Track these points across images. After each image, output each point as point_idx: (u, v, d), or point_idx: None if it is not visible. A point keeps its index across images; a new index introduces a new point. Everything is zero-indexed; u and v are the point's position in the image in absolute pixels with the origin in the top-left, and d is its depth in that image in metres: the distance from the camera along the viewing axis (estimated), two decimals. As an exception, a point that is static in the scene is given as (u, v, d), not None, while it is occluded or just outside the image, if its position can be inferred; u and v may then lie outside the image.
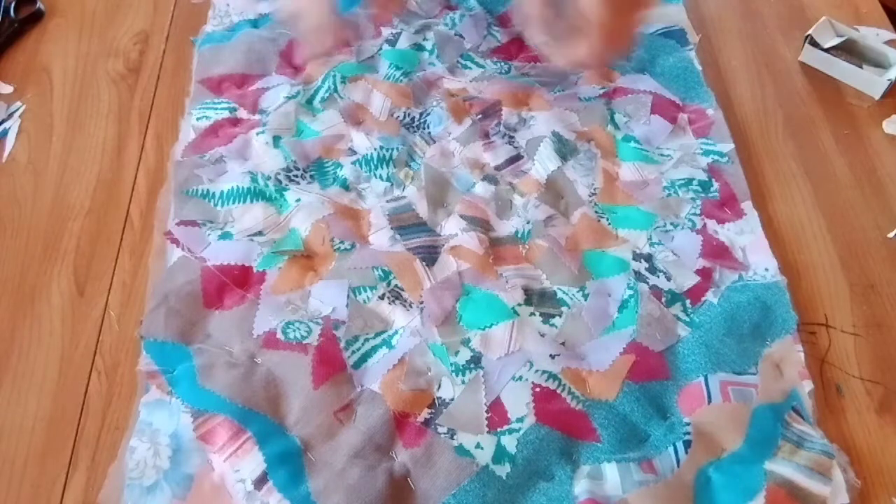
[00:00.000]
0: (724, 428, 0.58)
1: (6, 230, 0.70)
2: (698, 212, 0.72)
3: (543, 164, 0.75)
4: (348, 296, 0.65)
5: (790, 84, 0.85)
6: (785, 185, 0.76)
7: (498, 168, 0.76)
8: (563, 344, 0.64)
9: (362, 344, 0.63)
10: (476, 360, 0.62)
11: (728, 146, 0.77)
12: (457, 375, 0.61)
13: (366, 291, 0.66)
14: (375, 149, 0.76)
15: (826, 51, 0.85)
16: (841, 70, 0.84)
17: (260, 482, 0.55)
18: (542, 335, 0.64)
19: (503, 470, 0.57)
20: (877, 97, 0.82)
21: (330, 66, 0.82)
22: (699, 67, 0.84)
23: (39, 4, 0.88)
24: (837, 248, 0.71)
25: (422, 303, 0.65)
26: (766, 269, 0.68)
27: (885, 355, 0.64)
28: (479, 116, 0.79)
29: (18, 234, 0.70)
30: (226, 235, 0.69)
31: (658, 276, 0.68)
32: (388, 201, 0.72)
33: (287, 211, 0.71)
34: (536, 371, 0.62)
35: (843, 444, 0.59)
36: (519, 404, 0.60)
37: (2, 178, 0.74)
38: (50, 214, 0.71)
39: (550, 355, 0.62)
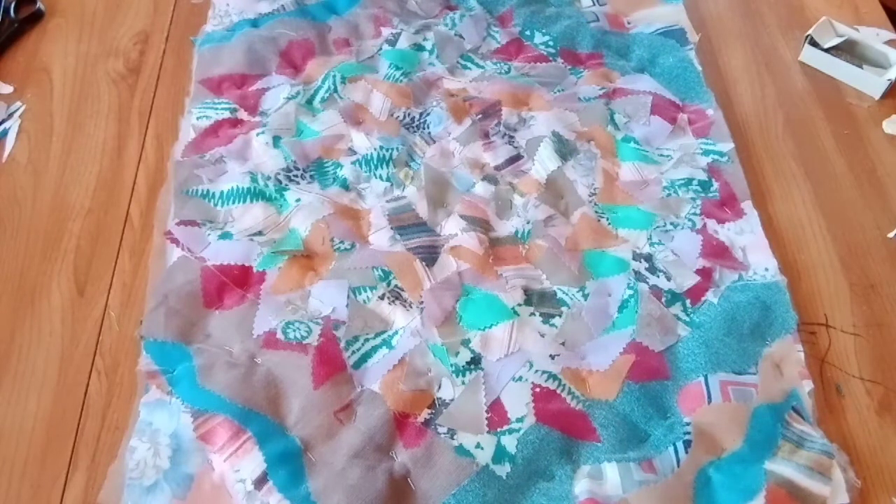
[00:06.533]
0: (724, 428, 0.58)
1: (6, 230, 0.70)
2: (698, 211, 0.72)
3: (543, 164, 0.75)
4: (348, 296, 0.65)
5: (790, 84, 0.85)
6: (785, 185, 0.76)
7: (498, 168, 0.76)
8: (563, 344, 0.64)
9: (362, 344, 0.63)
10: (476, 361, 0.62)
11: (728, 146, 0.77)
12: (457, 376, 0.61)
13: (366, 291, 0.66)
14: (375, 149, 0.76)
15: (826, 51, 0.85)
16: (841, 70, 0.84)
17: (260, 482, 0.55)
18: (542, 335, 0.64)
19: (503, 470, 0.57)
20: (877, 97, 0.82)
21: (330, 66, 0.82)
22: (699, 67, 0.84)
23: (39, 4, 0.88)
24: (837, 248, 0.71)
25: (422, 303, 0.65)
26: (766, 269, 0.68)
27: (885, 355, 0.64)
28: (479, 116, 0.79)
29: (18, 234, 0.70)
30: (226, 235, 0.69)
31: (658, 276, 0.68)
32: (388, 201, 0.72)
33: (287, 211, 0.71)
34: (536, 371, 0.62)
35: (843, 444, 0.59)
36: (519, 404, 0.60)
37: (2, 178, 0.74)
38: (50, 214, 0.71)
39: (550, 355, 0.62)
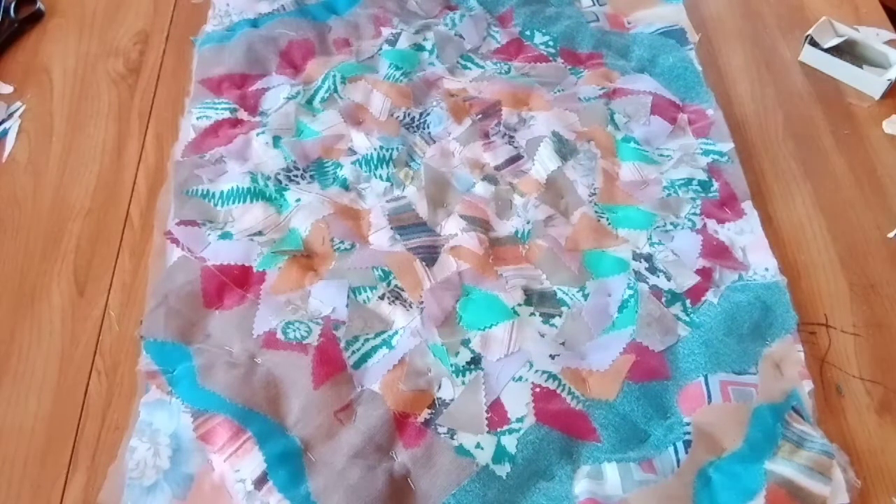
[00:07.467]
0: (724, 428, 0.58)
1: (6, 230, 0.70)
2: (698, 211, 0.72)
3: (543, 164, 0.75)
4: (348, 296, 0.65)
5: (790, 84, 0.85)
6: (785, 185, 0.76)
7: (498, 168, 0.76)
8: (563, 344, 0.64)
9: (362, 344, 0.63)
10: (476, 361, 0.62)
11: (728, 146, 0.77)
12: (457, 376, 0.61)
13: (366, 291, 0.66)
14: (375, 149, 0.76)
15: (826, 51, 0.85)
16: (841, 70, 0.84)
17: (260, 482, 0.55)
18: (542, 335, 0.64)
19: (503, 470, 0.57)
20: (877, 97, 0.82)
21: (330, 66, 0.82)
22: (699, 67, 0.84)
23: (39, 4, 0.88)
24: (837, 248, 0.71)
25: (422, 303, 0.65)
26: (766, 269, 0.68)
27: (885, 355, 0.64)
28: (479, 116, 0.79)
29: (18, 235, 0.70)
30: (226, 235, 0.69)
31: (658, 276, 0.68)
32: (388, 201, 0.72)
33: (287, 211, 0.71)
34: (536, 371, 0.62)
35: (843, 444, 0.59)
36: (519, 404, 0.60)
37: (2, 178, 0.74)
38: (50, 214, 0.71)
39: (550, 355, 0.62)
